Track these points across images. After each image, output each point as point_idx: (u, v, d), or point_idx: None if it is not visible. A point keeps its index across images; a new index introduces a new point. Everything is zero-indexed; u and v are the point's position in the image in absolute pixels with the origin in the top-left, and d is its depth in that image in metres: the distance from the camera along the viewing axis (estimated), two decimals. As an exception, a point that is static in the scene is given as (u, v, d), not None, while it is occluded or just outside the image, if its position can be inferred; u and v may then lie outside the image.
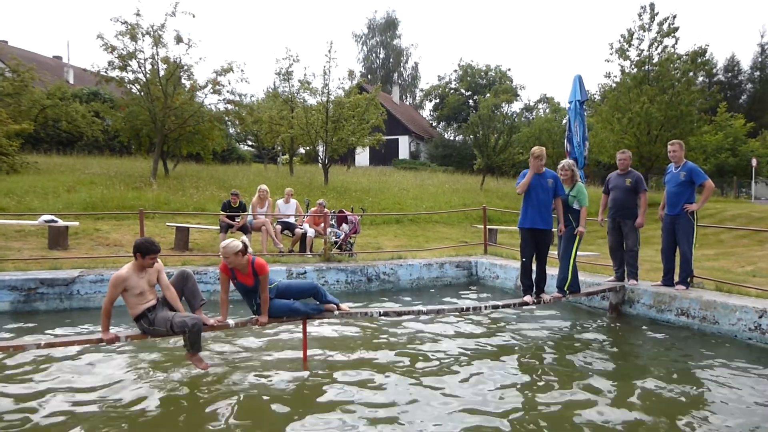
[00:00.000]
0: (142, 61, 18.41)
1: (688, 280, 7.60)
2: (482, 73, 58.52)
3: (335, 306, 5.96)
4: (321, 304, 5.92)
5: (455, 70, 60.07)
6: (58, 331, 7.03)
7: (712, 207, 19.69)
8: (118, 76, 18.54)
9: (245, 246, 5.46)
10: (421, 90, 66.13)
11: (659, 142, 21.85)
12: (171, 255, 10.43)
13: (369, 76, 61.10)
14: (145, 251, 5.08)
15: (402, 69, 67.34)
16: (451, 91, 58.59)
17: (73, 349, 5.93)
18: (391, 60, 66.13)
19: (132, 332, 5.35)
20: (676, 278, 7.67)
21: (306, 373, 5.53)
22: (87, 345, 5.71)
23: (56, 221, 10.66)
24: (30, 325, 7.31)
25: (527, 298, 7.18)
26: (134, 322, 5.28)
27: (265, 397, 4.91)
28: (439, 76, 63.27)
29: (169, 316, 5.16)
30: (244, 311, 6.14)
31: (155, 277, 5.30)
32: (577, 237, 7.36)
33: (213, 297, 8.45)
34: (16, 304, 8.04)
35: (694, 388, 5.23)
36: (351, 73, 24.41)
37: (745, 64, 60.34)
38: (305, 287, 5.97)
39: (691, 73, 23.56)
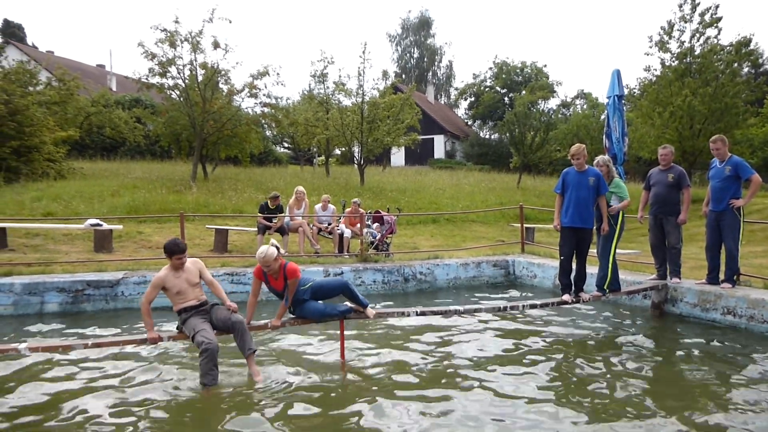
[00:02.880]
0: (181, 67, 18.87)
1: (735, 278, 7.37)
2: (518, 70, 57.69)
3: (362, 308, 5.93)
4: (352, 304, 5.94)
5: (490, 68, 59.32)
6: (103, 331, 7.25)
7: (760, 202, 18.97)
8: (158, 82, 19.03)
9: (278, 250, 5.54)
10: (456, 89, 65.58)
11: (702, 136, 21.16)
12: (210, 257, 10.64)
13: (403, 76, 61.04)
14: (170, 252, 5.28)
15: (436, 68, 66.93)
16: (487, 89, 58.00)
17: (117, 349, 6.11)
18: (425, 59, 65.78)
19: (175, 332, 5.50)
20: (722, 276, 7.46)
21: (344, 375, 5.56)
22: (132, 344, 5.87)
23: (101, 225, 10.99)
24: (81, 328, 7.57)
25: (566, 297, 7.09)
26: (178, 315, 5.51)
27: (302, 398, 4.95)
28: (474, 74, 62.75)
29: (196, 327, 5.21)
30: (275, 312, 5.99)
31: (196, 276, 5.44)
32: (616, 234, 7.21)
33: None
34: (65, 305, 8.34)
35: (744, 388, 5.08)
36: (385, 74, 24.51)
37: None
38: (336, 286, 5.95)
39: (735, 64, 22.78)
